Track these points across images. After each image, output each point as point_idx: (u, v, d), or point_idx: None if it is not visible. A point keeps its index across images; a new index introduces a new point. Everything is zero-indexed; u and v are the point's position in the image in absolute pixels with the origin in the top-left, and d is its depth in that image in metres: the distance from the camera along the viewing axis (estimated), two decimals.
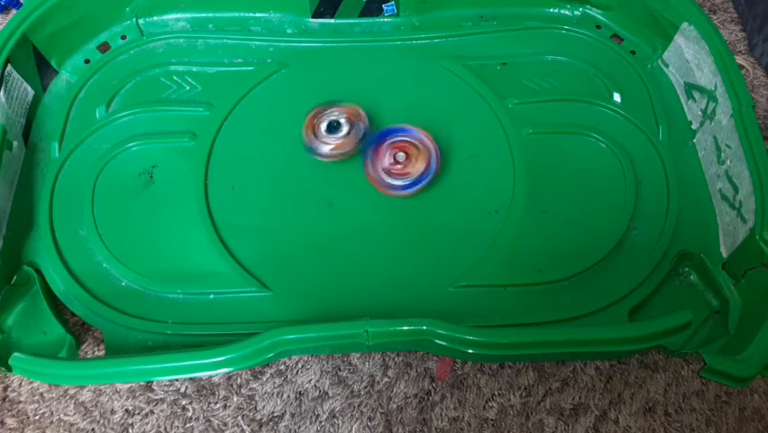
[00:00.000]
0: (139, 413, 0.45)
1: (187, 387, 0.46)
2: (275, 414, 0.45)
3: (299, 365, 0.46)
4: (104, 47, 0.57)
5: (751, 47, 0.62)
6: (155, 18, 0.58)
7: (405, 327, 0.38)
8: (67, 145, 0.52)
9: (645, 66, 0.56)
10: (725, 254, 0.46)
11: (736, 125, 0.46)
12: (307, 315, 0.45)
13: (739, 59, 0.59)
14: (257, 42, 0.57)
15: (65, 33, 0.55)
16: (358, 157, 0.51)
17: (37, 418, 0.45)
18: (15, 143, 0.49)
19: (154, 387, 0.46)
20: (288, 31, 0.58)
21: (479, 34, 0.58)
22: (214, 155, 0.52)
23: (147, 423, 0.45)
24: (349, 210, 0.49)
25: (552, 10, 0.59)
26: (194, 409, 0.45)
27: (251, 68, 0.56)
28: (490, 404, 0.45)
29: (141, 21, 0.58)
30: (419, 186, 0.49)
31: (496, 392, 0.45)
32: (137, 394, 0.45)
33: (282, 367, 0.46)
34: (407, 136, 0.50)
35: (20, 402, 0.45)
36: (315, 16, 0.58)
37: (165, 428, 0.44)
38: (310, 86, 0.55)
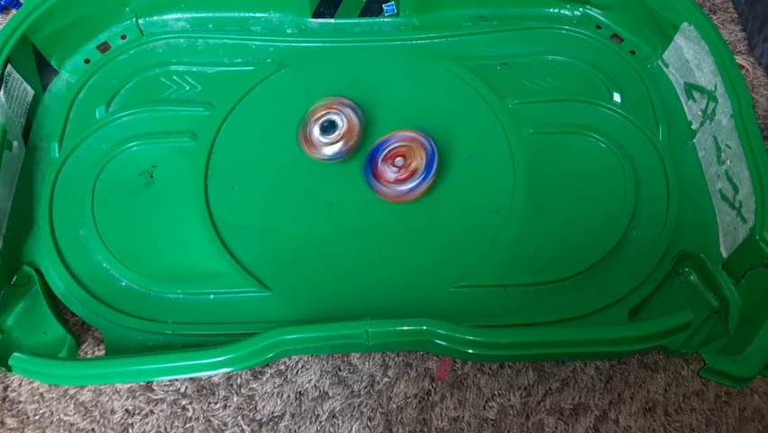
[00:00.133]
0: (139, 413, 0.45)
1: (187, 387, 0.46)
2: (275, 414, 0.45)
3: (299, 365, 0.46)
4: (104, 47, 0.57)
5: (751, 47, 0.62)
6: (155, 18, 0.58)
7: (405, 328, 0.38)
8: (67, 145, 0.52)
9: (645, 66, 0.56)
10: (725, 254, 0.46)
11: (736, 125, 0.46)
12: (307, 315, 0.45)
13: (739, 59, 0.59)
14: (257, 42, 0.57)
15: (65, 33, 0.55)
16: (358, 157, 0.51)
17: (37, 418, 0.45)
18: (15, 143, 0.49)
19: (154, 387, 0.46)
20: (288, 31, 0.58)
21: (479, 34, 0.58)
22: (214, 155, 0.52)
23: (147, 423, 0.45)
24: (349, 210, 0.49)
25: (552, 10, 0.59)
26: (194, 410, 0.45)
27: (251, 68, 0.56)
28: (490, 404, 0.45)
29: (141, 21, 0.58)
30: (432, 172, 0.48)
31: (496, 392, 0.45)
32: (137, 394, 0.45)
33: (282, 367, 0.46)
34: (394, 142, 0.50)
35: (20, 402, 0.45)
36: (315, 16, 0.58)
37: (165, 428, 0.44)
38: (310, 86, 0.55)
